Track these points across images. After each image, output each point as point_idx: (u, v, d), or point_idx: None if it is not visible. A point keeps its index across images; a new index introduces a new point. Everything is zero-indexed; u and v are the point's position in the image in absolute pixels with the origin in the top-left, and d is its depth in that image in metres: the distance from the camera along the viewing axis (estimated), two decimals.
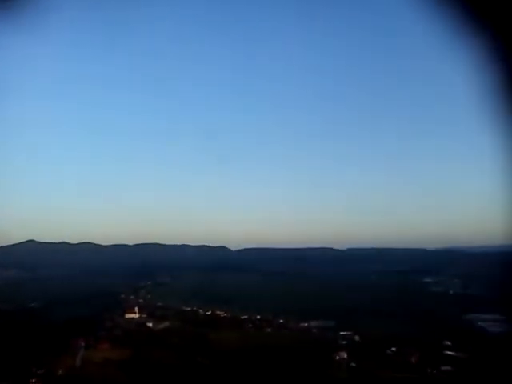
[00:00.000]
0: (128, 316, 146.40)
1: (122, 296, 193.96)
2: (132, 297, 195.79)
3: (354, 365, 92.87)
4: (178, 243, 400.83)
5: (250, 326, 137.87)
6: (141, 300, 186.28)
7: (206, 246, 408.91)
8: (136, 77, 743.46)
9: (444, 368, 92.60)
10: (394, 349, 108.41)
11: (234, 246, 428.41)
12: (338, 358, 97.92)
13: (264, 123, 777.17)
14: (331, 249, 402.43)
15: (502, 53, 4.60)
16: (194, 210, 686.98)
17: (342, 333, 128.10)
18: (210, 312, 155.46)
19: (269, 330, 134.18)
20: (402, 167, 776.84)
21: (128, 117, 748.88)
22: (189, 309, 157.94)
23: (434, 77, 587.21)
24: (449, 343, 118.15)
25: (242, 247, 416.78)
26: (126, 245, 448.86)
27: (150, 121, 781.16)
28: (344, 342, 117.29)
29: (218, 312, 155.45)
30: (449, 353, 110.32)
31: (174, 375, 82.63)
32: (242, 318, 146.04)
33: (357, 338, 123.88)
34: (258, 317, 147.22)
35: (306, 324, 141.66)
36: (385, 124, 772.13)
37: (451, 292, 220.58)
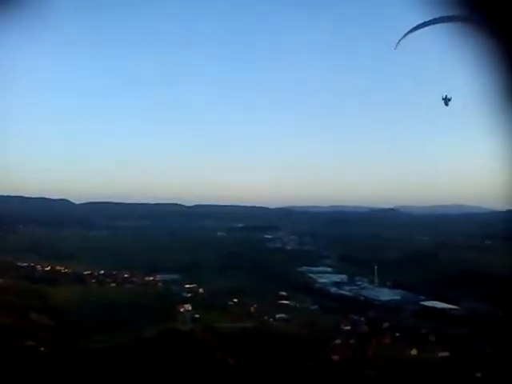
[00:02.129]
0: None
1: None
2: None
3: (197, 316, 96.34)
4: (12, 194, 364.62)
5: (93, 281, 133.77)
6: None
7: (44, 198, 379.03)
8: None
9: (279, 316, 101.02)
10: (235, 300, 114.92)
11: (77, 199, 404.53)
12: (182, 310, 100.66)
13: None
14: (178, 205, 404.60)
15: (504, 52, 4.67)
16: (27, 158, 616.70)
17: (186, 286, 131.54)
18: (49, 268, 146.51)
19: (113, 284, 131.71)
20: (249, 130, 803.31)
21: None
22: (25, 264, 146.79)
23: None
24: (284, 293, 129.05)
25: (87, 201, 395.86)
26: None
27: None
28: (188, 295, 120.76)
29: (58, 268, 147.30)
30: (284, 302, 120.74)
31: (7, 335, 76.98)
32: (85, 273, 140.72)
33: (201, 290, 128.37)
34: (102, 272, 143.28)
35: (152, 278, 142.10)
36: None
37: (288, 247, 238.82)
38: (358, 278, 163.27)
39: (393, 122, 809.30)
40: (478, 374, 71.17)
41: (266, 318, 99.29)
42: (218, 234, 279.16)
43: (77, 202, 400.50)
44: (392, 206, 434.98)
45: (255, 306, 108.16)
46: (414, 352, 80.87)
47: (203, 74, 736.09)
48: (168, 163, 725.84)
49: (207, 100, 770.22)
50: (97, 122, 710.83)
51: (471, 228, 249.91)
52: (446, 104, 40.24)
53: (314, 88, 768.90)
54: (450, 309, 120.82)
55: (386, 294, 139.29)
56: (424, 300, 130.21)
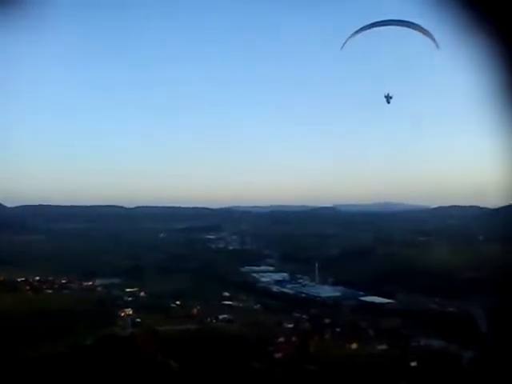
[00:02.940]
0: None
1: None
2: None
3: (138, 320, 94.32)
4: None
5: (28, 288, 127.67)
6: None
7: None
8: None
9: (222, 317, 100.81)
10: (178, 302, 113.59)
11: (9, 202, 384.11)
12: (122, 314, 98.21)
13: None
14: (119, 207, 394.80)
15: (504, 52, 4.64)
16: None
17: (127, 290, 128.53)
18: None
19: (49, 291, 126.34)
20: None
21: None
22: None
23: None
24: (227, 294, 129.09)
25: (21, 204, 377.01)
26: None
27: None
28: (129, 299, 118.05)
29: None
30: (227, 302, 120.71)
31: None
32: (18, 280, 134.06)
33: (142, 294, 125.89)
34: (37, 278, 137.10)
35: (91, 283, 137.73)
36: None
37: (230, 248, 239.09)
38: (299, 276, 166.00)
39: (336, 121, 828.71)
40: (414, 363, 74.40)
41: (208, 319, 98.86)
42: (161, 235, 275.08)
43: (10, 205, 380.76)
44: (331, 205, 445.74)
45: (198, 307, 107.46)
46: (354, 346, 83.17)
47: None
48: (108, 164, 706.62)
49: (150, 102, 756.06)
50: (33, 122, 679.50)
51: (406, 225, 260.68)
52: (388, 102, 41.73)
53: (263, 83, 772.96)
54: (387, 303, 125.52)
55: (327, 291, 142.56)
56: (363, 295, 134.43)
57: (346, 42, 38.80)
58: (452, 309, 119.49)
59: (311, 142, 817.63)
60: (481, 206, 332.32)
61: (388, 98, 40.74)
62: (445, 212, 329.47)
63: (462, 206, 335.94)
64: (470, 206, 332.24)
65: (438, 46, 36.09)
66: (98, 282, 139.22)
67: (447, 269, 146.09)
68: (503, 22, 4.54)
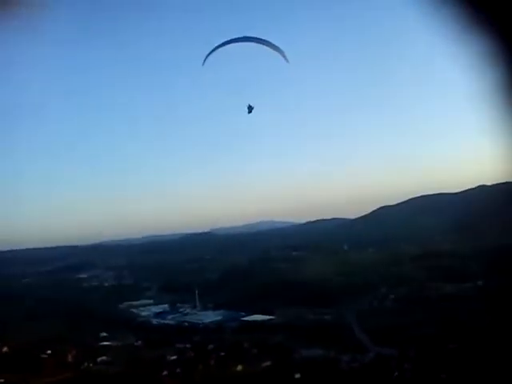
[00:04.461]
0: None
1: None
2: None
3: (2, 381, 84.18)
4: None
5: None
6: None
7: None
8: None
9: (100, 359, 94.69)
10: (49, 351, 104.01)
11: None
12: None
13: None
14: None
15: (504, 52, 4.54)
16: None
17: None
18: None
19: None
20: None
21: None
22: None
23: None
24: (105, 334, 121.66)
25: None
26: None
27: None
28: None
29: None
30: (105, 343, 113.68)
31: None
32: None
33: (5, 349, 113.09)
34: None
35: None
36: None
37: (106, 284, 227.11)
38: (180, 305, 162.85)
39: (204, 144, 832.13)
40: (297, 375, 76.70)
41: (85, 364, 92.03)
42: (24, 281, 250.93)
43: None
44: (208, 230, 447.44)
45: (73, 353, 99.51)
46: (239, 368, 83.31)
47: None
48: None
49: None
50: None
51: (279, 242, 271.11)
52: (250, 111, 42.92)
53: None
54: (268, 319, 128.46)
55: (209, 316, 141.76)
56: (244, 316, 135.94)
57: (206, 59, 39.87)
58: (328, 316, 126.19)
59: (178, 168, 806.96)
60: (342, 217, 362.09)
61: (250, 109, 42.21)
62: (313, 226, 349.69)
63: (326, 219, 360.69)
64: (333, 219, 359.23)
65: (287, 61, 38.85)
66: None
67: (319, 279, 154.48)
68: (503, 21, 4.52)
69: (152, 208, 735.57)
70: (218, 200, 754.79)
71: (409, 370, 77.08)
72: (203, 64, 40.00)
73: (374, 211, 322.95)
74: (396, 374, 76.69)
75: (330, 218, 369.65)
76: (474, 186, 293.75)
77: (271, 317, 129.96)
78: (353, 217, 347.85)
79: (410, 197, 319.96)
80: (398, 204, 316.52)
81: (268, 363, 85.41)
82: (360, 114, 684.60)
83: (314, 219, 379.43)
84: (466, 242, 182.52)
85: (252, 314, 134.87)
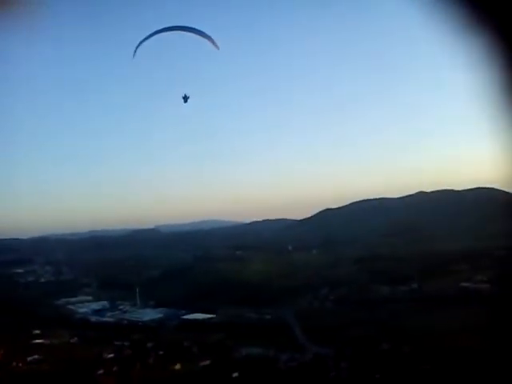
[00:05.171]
0: None
1: None
2: None
3: None
4: None
5: None
6: None
7: None
8: None
9: (31, 358, 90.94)
10: None
11: None
12: None
13: None
14: None
15: (504, 52, 4.49)
16: None
17: None
18: None
19: None
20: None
21: None
22: None
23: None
24: (38, 331, 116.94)
25: None
26: None
27: None
28: None
29: None
30: (38, 341, 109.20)
31: None
32: None
33: None
34: None
35: None
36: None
37: (43, 280, 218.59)
38: (119, 303, 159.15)
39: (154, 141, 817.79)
40: (235, 374, 77.00)
41: (14, 363, 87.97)
42: None
43: None
44: (153, 226, 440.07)
45: (1, 352, 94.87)
46: (177, 366, 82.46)
47: None
48: None
49: None
50: None
51: (224, 241, 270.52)
52: (185, 101, 42.32)
53: None
54: (209, 318, 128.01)
55: (149, 314, 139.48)
56: (185, 314, 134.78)
57: (136, 51, 39.39)
58: (269, 316, 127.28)
59: (126, 164, 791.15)
60: (288, 218, 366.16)
61: (185, 98, 41.84)
62: (258, 226, 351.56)
63: (272, 220, 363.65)
64: (279, 220, 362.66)
65: (218, 48, 38.90)
66: None
67: (261, 278, 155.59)
68: (503, 21, 4.52)
69: (98, 203, 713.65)
70: (165, 197, 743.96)
71: (345, 369, 79.08)
72: (133, 56, 39.50)
73: (318, 213, 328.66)
74: (333, 373, 78.46)
75: (275, 218, 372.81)
76: (413, 193, 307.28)
77: (212, 315, 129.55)
78: (298, 218, 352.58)
79: (353, 201, 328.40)
80: (341, 207, 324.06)
81: (207, 362, 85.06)
82: (311, 115, 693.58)
83: (261, 219, 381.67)
84: (404, 245, 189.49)
85: (193, 313, 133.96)
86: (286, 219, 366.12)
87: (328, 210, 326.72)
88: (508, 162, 5.49)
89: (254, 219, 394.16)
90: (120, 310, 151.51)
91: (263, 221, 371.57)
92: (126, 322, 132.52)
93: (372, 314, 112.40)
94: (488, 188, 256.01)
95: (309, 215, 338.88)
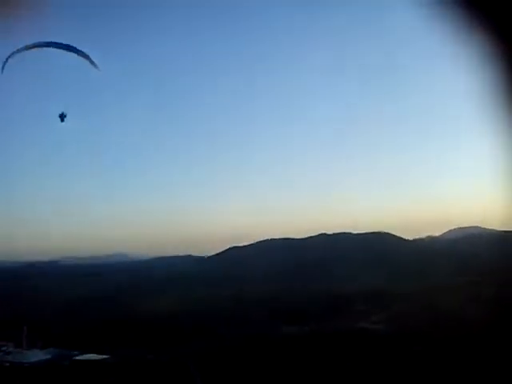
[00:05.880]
0: None
1: None
2: None
3: None
4: None
5: None
6: None
7: None
8: None
9: None
10: None
11: None
12: None
13: None
14: None
15: (504, 52, 4.55)
16: None
17: None
18: None
19: None
20: None
21: None
22: None
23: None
24: None
25: None
26: None
27: None
28: None
29: None
30: None
31: None
32: None
33: None
34: None
35: None
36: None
37: None
38: (2, 343, 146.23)
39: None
40: None
41: None
42: None
43: None
44: (57, 258, 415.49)
45: None
46: None
47: None
48: None
49: None
50: None
51: (128, 276, 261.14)
52: (62, 120, 41.22)
53: None
54: (103, 359, 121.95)
55: (37, 355, 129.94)
56: (78, 354, 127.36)
57: (4, 66, 38.22)
58: (166, 357, 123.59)
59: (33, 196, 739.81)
60: (194, 255, 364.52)
61: (62, 117, 40.90)
62: (165, 262, 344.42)
63: (179, 256, 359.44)
64: (187, 256, 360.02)
65: (97, 68, 38.56)
66: None
67: (162, 317, 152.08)
68: (503, 21, 4.55)
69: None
70: (71, 228, 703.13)
71: None
72: (2, 72, 38.30)
73: (224, 251, 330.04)
74: None
75: (183, 254, 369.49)
76: (315, 234, 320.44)
77: (106, 356, 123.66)
78: (206, 254, 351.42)
79: (259, 239, 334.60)
80: (247, 245, 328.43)
81: None
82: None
83: (168, 255, 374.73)
84: (303, 285, 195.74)
85: (86, 353, 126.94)
86: (193, 255, 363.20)
87: (234, 247, 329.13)
88: (508, 161, 5.55)
89: (163, 254, 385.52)
90: (2, 351, 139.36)
91: (171, 257, 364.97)
92: (8, 364, 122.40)
93: (276, 353, 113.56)
94: (382, 233, 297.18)
95: (216, 252, 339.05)
